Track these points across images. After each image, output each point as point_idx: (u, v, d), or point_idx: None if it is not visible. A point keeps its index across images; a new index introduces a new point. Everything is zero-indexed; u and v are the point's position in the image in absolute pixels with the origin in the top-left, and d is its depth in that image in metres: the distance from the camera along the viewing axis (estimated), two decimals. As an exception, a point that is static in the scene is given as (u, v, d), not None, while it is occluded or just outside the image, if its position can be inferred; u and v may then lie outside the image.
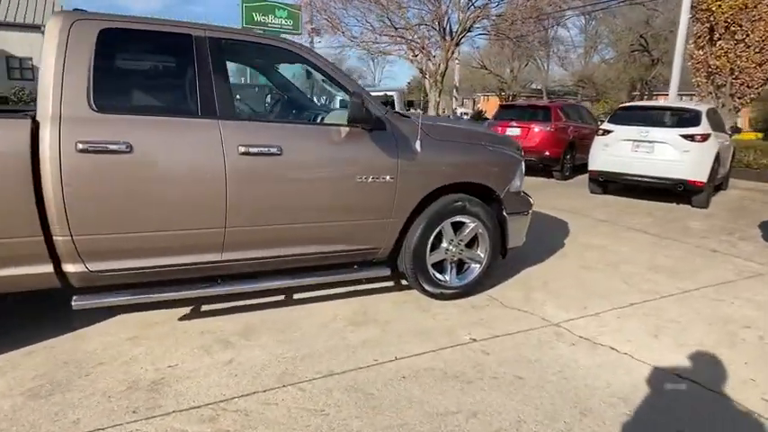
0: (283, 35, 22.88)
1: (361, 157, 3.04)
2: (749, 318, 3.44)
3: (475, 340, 2.98)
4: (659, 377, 2.64)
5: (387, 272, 3.30)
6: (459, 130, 3.75)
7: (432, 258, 3.44)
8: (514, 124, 10.20)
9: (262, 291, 3.23)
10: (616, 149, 7.56)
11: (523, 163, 3.80)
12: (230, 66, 3.16)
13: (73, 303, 2.56)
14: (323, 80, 3.14)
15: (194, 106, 2.67)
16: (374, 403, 2.31)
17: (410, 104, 13.57)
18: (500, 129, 10.41)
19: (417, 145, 3.19)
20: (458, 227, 3.51)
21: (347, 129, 3.00)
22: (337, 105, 4.97)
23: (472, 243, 3.60)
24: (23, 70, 21.23)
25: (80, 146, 2.38)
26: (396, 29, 15.96)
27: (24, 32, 21.15)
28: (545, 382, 2.55)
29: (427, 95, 17.16)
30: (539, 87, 42.88)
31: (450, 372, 2.61)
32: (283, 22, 23.03)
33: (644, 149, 7.32)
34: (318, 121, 3.41)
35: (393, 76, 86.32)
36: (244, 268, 2.97)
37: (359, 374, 2.55)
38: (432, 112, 17.75)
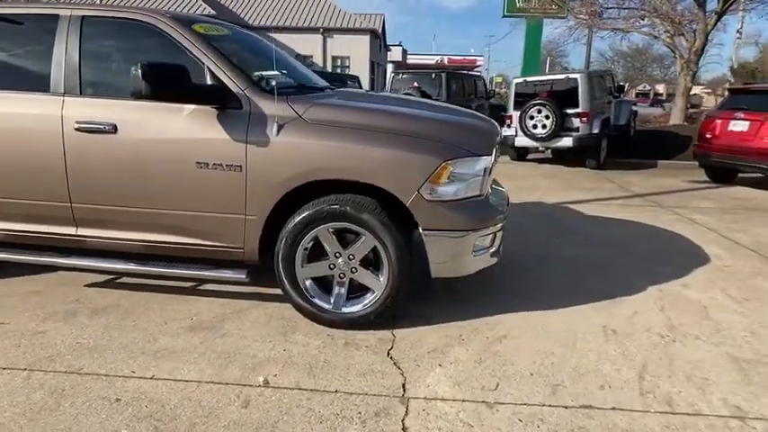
0: (547, 20, 21.57)
1: (200, 140, 2.64)
2: None
3: (266, 385, 2.28)
4: None
5: (242, 276, 2.79)
6: (359, 110, 2.84)
7: (308, 270, 2.76)
8: (741, 116, 7.20)
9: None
10: None
11: (470, 161, 2.64)
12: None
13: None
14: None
15: (45, 82, 2.77)
16: None
17: (620, 90, 10.97)
18: (719, 122, 7.56)
19: (273, 129, 2.58)
20: (354, 238, 2.71)
21: (191, 107, 2.64)
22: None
23: (377, 262, 2.74)
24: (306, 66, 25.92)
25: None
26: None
27: (307, 34, 25.77)
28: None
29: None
30: None
31: (146, 411, 2.06)
32: (547, 6, 21.79)
33: None
34: None
35: (719, 60, 71.31)
36: (108, 247, 2.96)
37: (63, 378, 2.28)
38: (679, 100, 14.02)
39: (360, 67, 25.91)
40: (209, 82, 2.66)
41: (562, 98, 8.99)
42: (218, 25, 3.07)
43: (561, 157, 10.20)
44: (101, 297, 3.16)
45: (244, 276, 2.79)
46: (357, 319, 2.75)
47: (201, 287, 3.35)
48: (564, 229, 4.97)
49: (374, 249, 2.68)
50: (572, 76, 9.13)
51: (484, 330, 2.83)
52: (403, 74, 11.63)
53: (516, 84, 9.81)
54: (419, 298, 3.16)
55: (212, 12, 22.19)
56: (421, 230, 2.63)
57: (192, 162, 2.65)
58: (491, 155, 2.79)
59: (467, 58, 50.53)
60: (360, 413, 2.09)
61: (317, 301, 2.77)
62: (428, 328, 2.84)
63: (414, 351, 2.60)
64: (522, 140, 9.49)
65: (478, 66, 50.49)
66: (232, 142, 2.61)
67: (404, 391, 2.26)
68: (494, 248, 2.87)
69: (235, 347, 2.59)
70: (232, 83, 2.65)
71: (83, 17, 2.80)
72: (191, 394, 2.20)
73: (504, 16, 23.37)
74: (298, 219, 2.66)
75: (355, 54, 26.07)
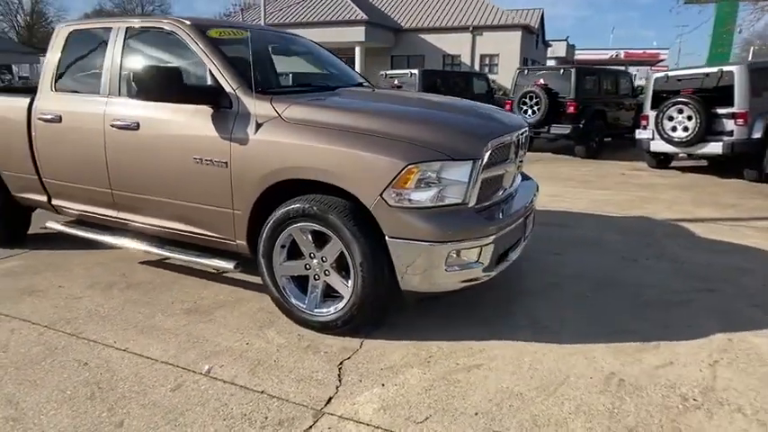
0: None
1: (197, 137, 2.82)
2: None
3: (207, 374, 2.36)
4: None
5: (230, 266, 2.93)
6: (336, 110, 2.70)
7: (285, 268, 2.78)
8: None
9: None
10: None
11: (447, 165, 2.38)
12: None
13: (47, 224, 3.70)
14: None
15: (98, 85, 3.24)
16: None
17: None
18: None
19: (251, 128, 2.65)
20: (327, 240, 2.66)
21: (194, 107, 2.84)
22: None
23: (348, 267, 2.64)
24: (453, 65, 25.83)
25: (40, 115, 3.42)
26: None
27: (456, 34, 25.60)
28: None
29: None
30: None
31: (98, 378, 2.29)
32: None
33: None
34: None
35: None
36: (138, 229, 3.33)
37: (63, 339, 2.64)
38: None
39: (509, 65, 24.90)
40: (209, 83, 2.85)
41: (712, 96, 7.50)
42: (241, 29, 3.25)
43: (717, 166, 8.55)
44: (143, 273, 3.60)
45: (232, 267, 2.94)
46: (327, 322, 2.69)
47: (227, 274, 3.59)
48: (652, 253, 4.16)
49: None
50: (726, 68, 7.51)
51: (460, 355, 2.53)
52: (528, 70, 10.88)
53: (656, 79, 8.43)
54: (411, 309, 2.97)
55: (364, 17, 23.38)
56: (387, 238, 2.45)
57: (191, 157, 2.85)
58: (479, 158, 2.47)
59: (647, 51, 45.48)
60: (266, 418, 2.05)
61: (292, 298, 2.78)
62: (401, 343, 2.64)
63: (368, 365, 2.45)
64: (658, 145, 8.18)
65: (662, 60, 44.97)
66: (220, 140, 2.75)
67: (326, 404, 2.15)
68: (485, 263, 2.55)
69: (208, 334, 2.74)
70: (226, 83, 2.80)
71: (126, 27, 3.21)
72: (141, 370, 2.39)
73: (687, 2, 20.43)
74: (274, 217, 2.70)
75: (505, 51, 25.13)
